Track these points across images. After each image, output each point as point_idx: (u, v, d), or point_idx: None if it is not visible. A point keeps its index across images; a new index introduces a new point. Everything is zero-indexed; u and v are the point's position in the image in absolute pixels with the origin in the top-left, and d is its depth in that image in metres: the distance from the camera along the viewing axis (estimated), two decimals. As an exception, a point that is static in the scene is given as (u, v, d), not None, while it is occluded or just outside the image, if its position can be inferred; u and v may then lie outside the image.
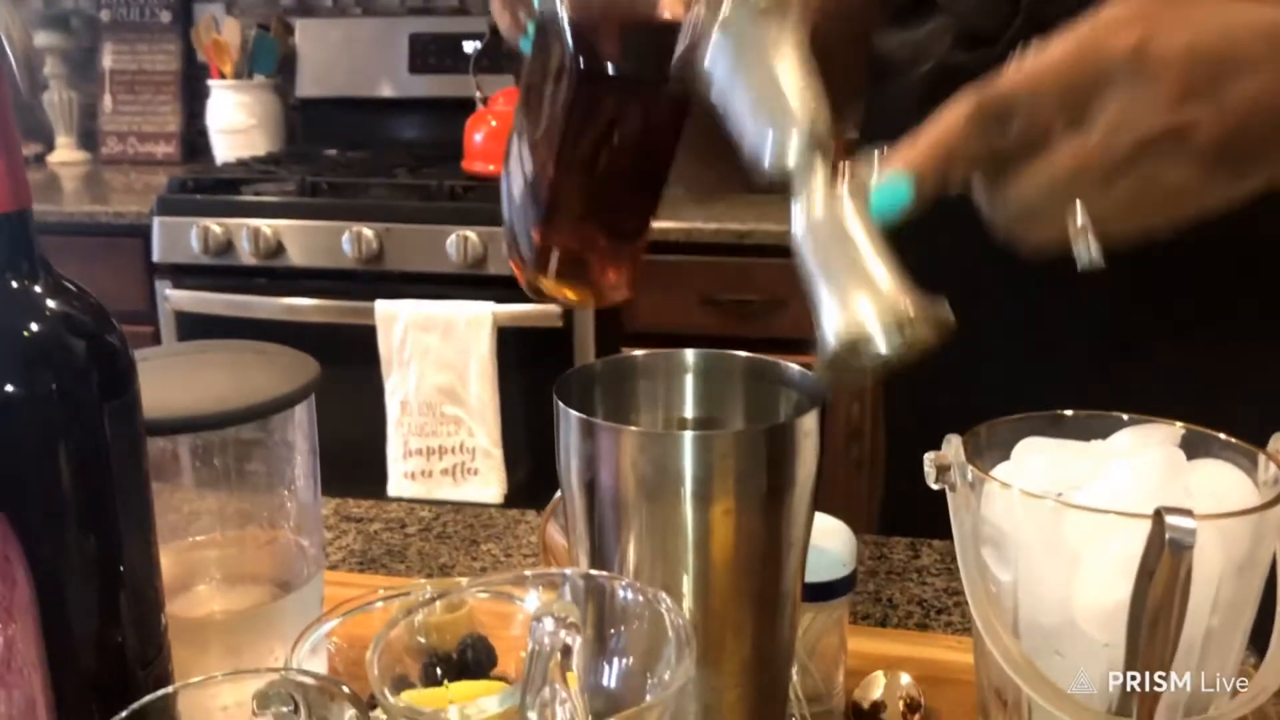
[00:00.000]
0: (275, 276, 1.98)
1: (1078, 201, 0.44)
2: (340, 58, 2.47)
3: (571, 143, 0.51)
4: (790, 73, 0.43)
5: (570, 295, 0.58)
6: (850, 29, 0.78)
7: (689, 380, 0.53)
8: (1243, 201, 0.46)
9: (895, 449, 0.93)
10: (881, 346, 0.39)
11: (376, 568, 0.76)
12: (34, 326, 0.43)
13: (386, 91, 2.45)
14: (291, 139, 2.54)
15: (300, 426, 0.57)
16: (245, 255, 1.97)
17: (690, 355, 0.53)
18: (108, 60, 2.60)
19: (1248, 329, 0.68)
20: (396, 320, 1.90)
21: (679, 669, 0.35)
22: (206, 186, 2.07)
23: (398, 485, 1.95)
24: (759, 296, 1.90)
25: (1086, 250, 0.44)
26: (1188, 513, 0.44)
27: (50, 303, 0.44)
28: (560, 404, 0.46)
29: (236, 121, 2.42)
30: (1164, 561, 0.44)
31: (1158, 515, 0.44)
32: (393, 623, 0.39)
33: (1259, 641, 0.51)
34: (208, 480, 0.56)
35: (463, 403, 1.93)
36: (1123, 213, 0.44)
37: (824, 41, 0.48)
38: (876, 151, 0.43)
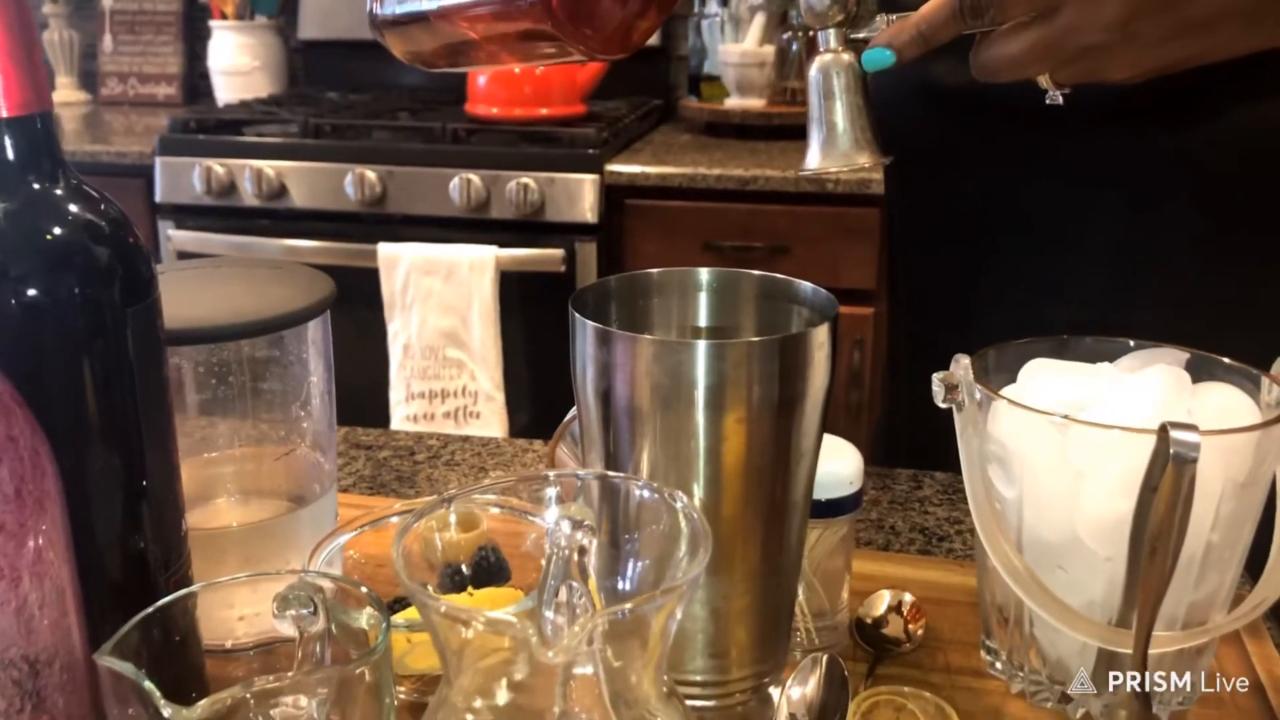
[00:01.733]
0: (277, 218, 1.98)
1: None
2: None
3: None
4: None
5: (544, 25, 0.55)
6: None
7: (703, 297, 0.53)
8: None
9: (897, 387, 0.94)
10: (837, 166, 0.54)
11: (386, 492, 0.77)
12: (57, 231, 0.44)
13: (389, 34, 2.42)
14: (293, 81, 2.53)
15: (315, 343, 0.57)
16: (248, 196, 1.96)
17: (704, 273, 0.54)
18: (108, 0, 2.58)
19: (1249, 259, 0.69)
20: (399, 263, 1.90)
21: (694, 562, 0.36)
22: (209, 127, 2.06)
23: (399, 428, 1.97)
24: (761, 242, 1.90)
25: (1051, 94, 0.55)
26: (1192, 428, 0.45)
27: (73, 207, 0.44)
28: (576, 315, 0.46)
29: (238, 63, 2.41)
30: (1167, 475, 0.45)
31: (1162, 430, 0.45)
32: (419, 513, 0.40)
33: (1254, 566, 0.52)
34: (225, 396, 0.57)
35: (465, 346, 1.94)
36: (1076, 79, 0.53)
37: None
38: (883, 19, 0.54)
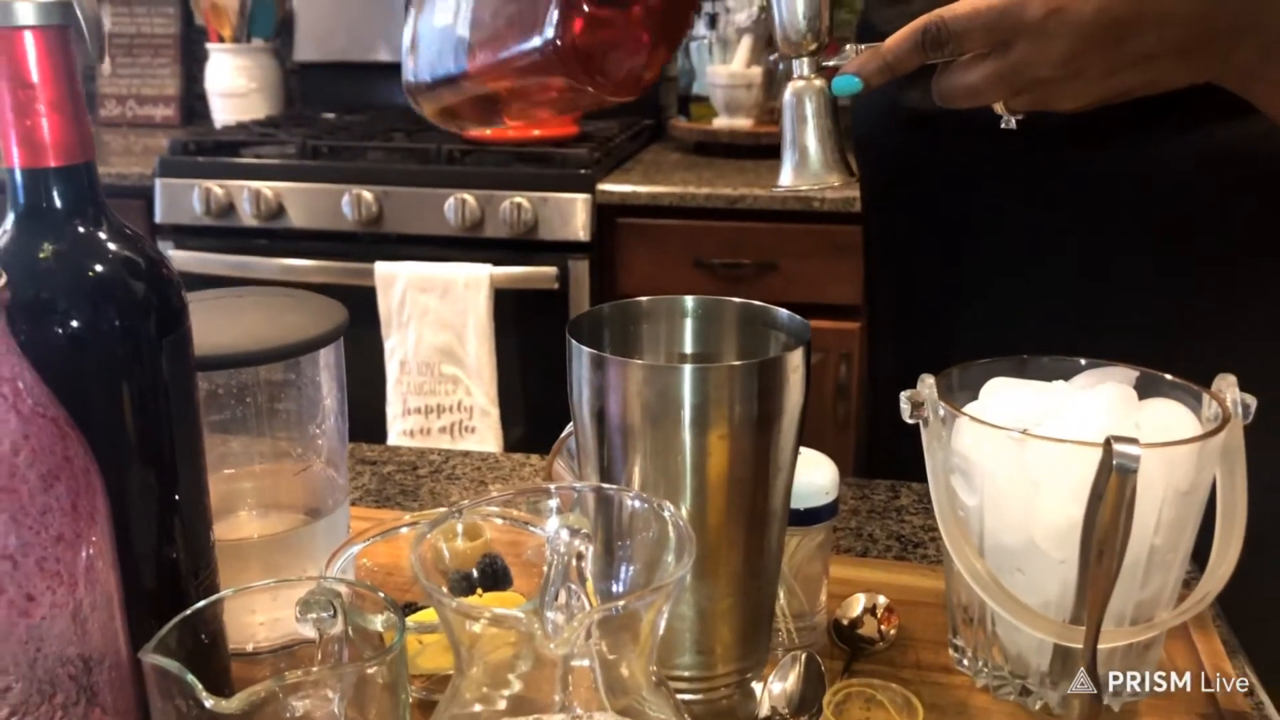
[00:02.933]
0: (276, 238, 2.02)
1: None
2: (337, 22, 2.50)
3: None
4: None
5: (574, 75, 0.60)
6: None
7: (688, 323, 0.58)
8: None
9: (877, 399, 0.98)
10: (808, 185, 0.58)
11: (391, 505, 0.82)
12: (99, 268, 0.48)
13: (383, 56, 2.48)
14: (289, 102, 2.57)
15: (329, 366, 0.61)
16: (246, 217, 2.01)
17: (689, 300, 0.58)
18: (107, 23, 2.62)
19: (1199, 285, 0.73)
20: (396, 281, 1.94)
21: (679, 564, 0.40)
22: (208, 148, 2.10)
23: (396, 443, 2.00)
24: (749, 259, 1.95)
25: (1005, 119, 0.60)
26: (1134, 441, 0.49)
27: (113, 246, 0.48)
28: (573, 341, 0.51)
29: (235, 85, 2.45)
30: (1111, 485, 0.50)
31: (1107, 443, 0.50)
32: (432, 524, 0.44)
33: (1201, 558, 0.57)
34: (245, 416, 0.61)
35: (460, 362, 1.98)
36: (1027, 107, 0.59)
37: None
38: (851, 48, 0.59)
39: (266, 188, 1.99)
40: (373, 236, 1.99)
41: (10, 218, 0.47)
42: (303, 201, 2.00)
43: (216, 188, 2.00)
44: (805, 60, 0.57)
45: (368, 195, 1.95)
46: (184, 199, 2.01)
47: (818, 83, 0.57)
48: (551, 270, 1.94)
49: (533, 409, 2.04)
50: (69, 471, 0.41)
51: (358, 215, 1.96)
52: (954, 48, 0.56)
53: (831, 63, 0.58)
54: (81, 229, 0.48)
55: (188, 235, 2.04)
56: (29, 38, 0.45)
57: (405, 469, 0.88)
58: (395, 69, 2.41)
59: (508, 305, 1.96)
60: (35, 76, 0.45)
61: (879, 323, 0.97)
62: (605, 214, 1.98)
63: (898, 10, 0.78)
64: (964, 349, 0.64)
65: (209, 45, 2.47)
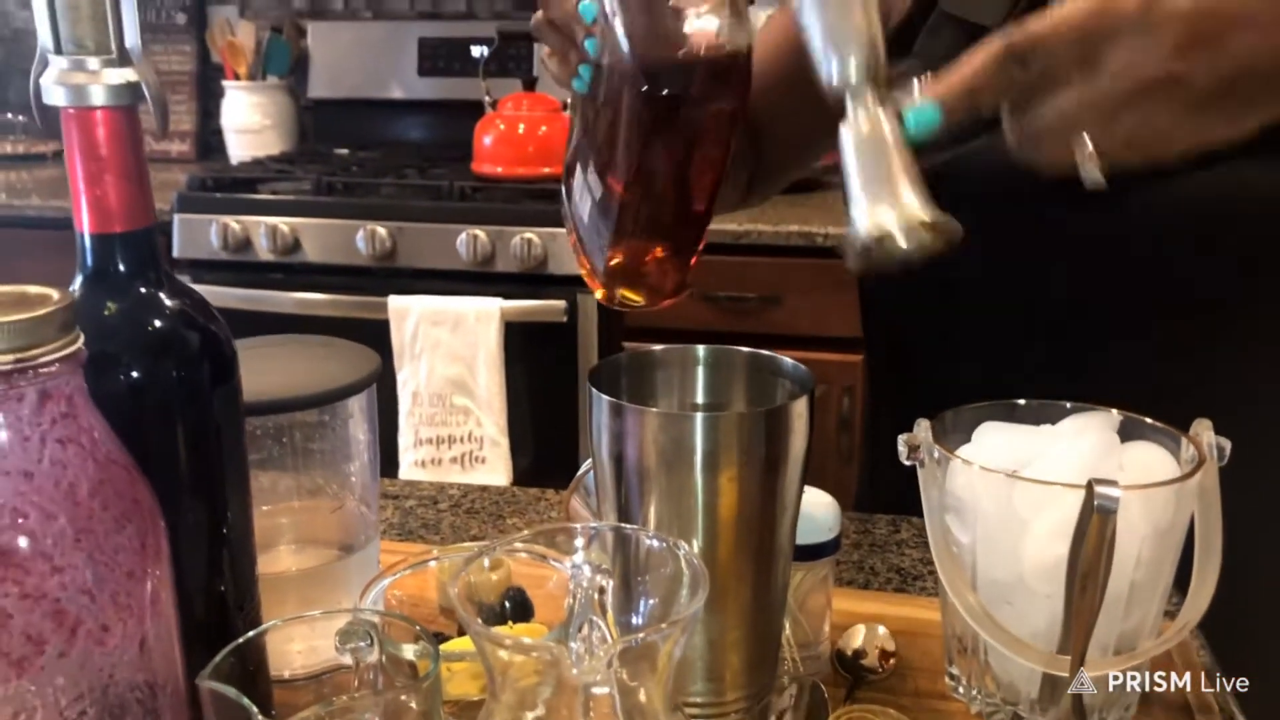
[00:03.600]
0: (291, 272, 2.07)
1: (1084, 133, 0.50)
2: (351, 60, 2.55)
3: (635, 167, 0.58)
4: (858, 10, 0.50)
5: (638, 298, 0.66)
6: None
7: (700, 371, 0.62)
8: (1241, 140, 0.52)
9: (878, 435, 1.02)
10: (901, 243, 0.47)
11: (414, 538, 0.85)
12: (157, 323, 0.52)
13: (396, 93, 2.53)
14: (304, 138, 2.62)
15: (362, 410, 0.65)
16: (263, 251, 2.05)
17: (701, 350, 0.62)
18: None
19: (1180, 332, 0.77)
20: (409, 315, 1.98)
21: (694, 599, 0.44)
22: (225, 185, 2.15)
23: (408, 473, 2.04)
24: (755, 293, 1.99)
25: (1091, 173, 0.51)
26: (1114, 483, 0.53)
27: (170, 303, 0.53)
28: (593, 390, 0.55)
29: (250, 121, 2.51)
30: (1093, 524, 0.53)
31: (1089, 486, 0.54)
32: (468, 560, 0.48)
33: (1185, 585, 0.60)
34: (284, 456, 0.65)
35: (471, 394, 2.02)
36: (1124, 144, 0.51)
37: (796, 81, 0.58)
38: (917, 80, 0.50)
39: (283, 223, 2.03)
40: (386, 271, 2.03)
41: (79, 279, 0.51)
42: (318, 237, 2.05)
43: (234, 223, 2.05)
44: (866, 92, 0.48)
45: (381, 231, 2.00)
46: (202, 234, 2.06)
47: (886, 118, 0.48)
48: (561, 304, 1.98)
49: (542, 440, 2.08)
50: (138, 513, 0.45)
51: (372, 250, 2.01)
52: (1042, 62, 0.49)
53: (897, 94, 0.49)
54: (143, 289, 0.52)
55: (205, 270, 2.08)
56: (100, 116, 0.49)
57: (426, 503, 0.92)
58: (405, 106, 2.48)
59: (518, 338, 2.00)
60: (105, 150, 0.49)
61: (877, 359, 1.01)
62: (613, 249, 2.02)
63: (910, 63, 0.82)
64: (958, 390, 0.67)
65: (225, 83, 2.53)
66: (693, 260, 0.65)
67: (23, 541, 0.41)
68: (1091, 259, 0.77)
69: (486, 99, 2.17)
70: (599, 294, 0.67)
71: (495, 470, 2.04)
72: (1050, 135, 0.51)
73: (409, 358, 2.01)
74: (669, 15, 0.55)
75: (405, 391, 2.02)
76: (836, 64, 0.49)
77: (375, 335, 1.98)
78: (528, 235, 1.97)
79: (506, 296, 1.97)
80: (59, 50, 0.49)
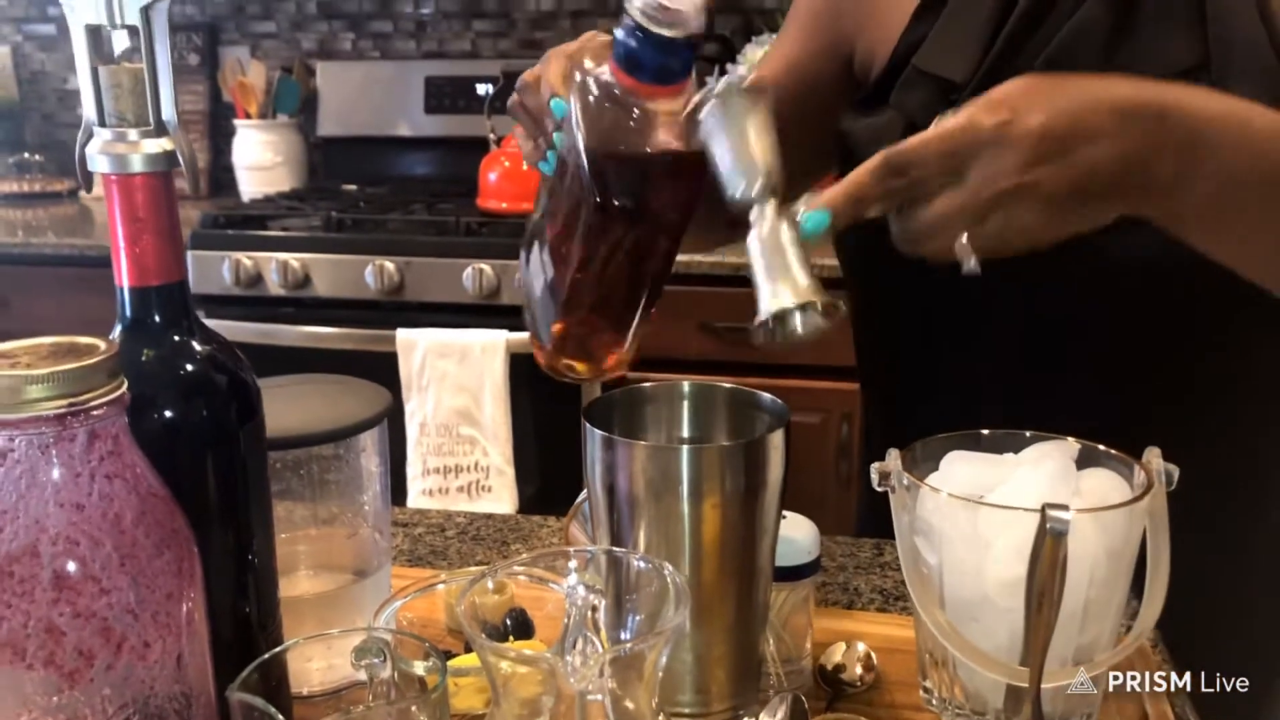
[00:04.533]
0: (302, 306, 2.13)
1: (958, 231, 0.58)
2: (359, 98, 2.62)
3: (585, 256, 0.62)
4: (758, 135, 0.58)
5: (582, 371, 0.70)
6: (810, 115, 0.93)
7: (685, 405, 0.67)
8: (1094, 229, 0.61)
9: (871, 459, 1.07)
10: (796, 320, 0.55)
11: (423, 564, 0.90)
12: (189, 368, 0.57)
13: (403, 131, 2.60)
14: (313, 175, 2.69)
15: (376, 443, 0.70)
16: (274, 286, 2.11)
17: (685, 385, 0.67)
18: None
19: (1136, 367, 0.82)
20: (416, 348, 2.04)
21: (676, 615, 0.49)
22: (236, 222, 2.21)
23: (416, 502, 2.09)
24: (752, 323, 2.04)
25: (967, 264, 0.59)
26: (1065, 508, 0.58)
27: (199, 348, 0.58)
28: (588, 425, 0.60)
29: (261, 159, 2.57)
30: (1047, 546, 0.58)
31: (1043, 510, 0.58)
32: (472, 582, 0.53)
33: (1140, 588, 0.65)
34: (302, 487, 0.70)
35: (477, 424, 2.07)
36: (994, 239, 0.59)
37: (785, 121, 0.63)
38: (808, 196, 0.58)
39: (293, 259, 2.09)
40: (394, 305, 2.09)
41: (118, 328, 0.56)
42: (328, 272, 2.11)
43: (245, 259, 2.10)
44: (768, 205, 0.56)
45: (390, 265, 2.06)
46: (214, 270, 2.12)
47: (782, 223, 0.56)
48: (565, 336, 2.03)
49: (546, 468, 2.12)
50: (175, 540, 0.50)
51: (380, 284, 2.06)
52: (915, 173, 0.57)
53: (793, 208, 0.57)
54: (176, 337, 0.57)
55: (217, 304, 2.14)
56: (140, 182, 0.54)
57: (434, 530, 0.96)
58: (412, 143, 2.54)
59: (523, 369, 2.05)
60: (144, 212, 0.55)
61: (869, 393, 1.06)
62: (615, 281, 2.07)
63: (858, 126, 0.88)
64: (940, 421, 0.72)
65: (236, 121, 2.60)
66: (634, 340, 0.68)
67: (75, 566, 0.46)
68: (1061, 301, 0.82)
69: (491, 136, 2.23)
70: (541, 361, 0.71)
71: (501, 499, 2.09)
72: (927, 234, 0.58)
73: (416, 389, 2.06)
74: (628, 131, 0.60)
75: (413, 422, 2.07)
76: (741, 186, 0.57)
77: (384, 367, 2.03)
78: (532, 269, 2.02)
79: (512, 329, 2.02)
80: (103, 123, 0.54)
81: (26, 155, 2.81)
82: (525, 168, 0.74)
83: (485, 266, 2.02)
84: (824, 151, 0.94)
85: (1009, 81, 0.60)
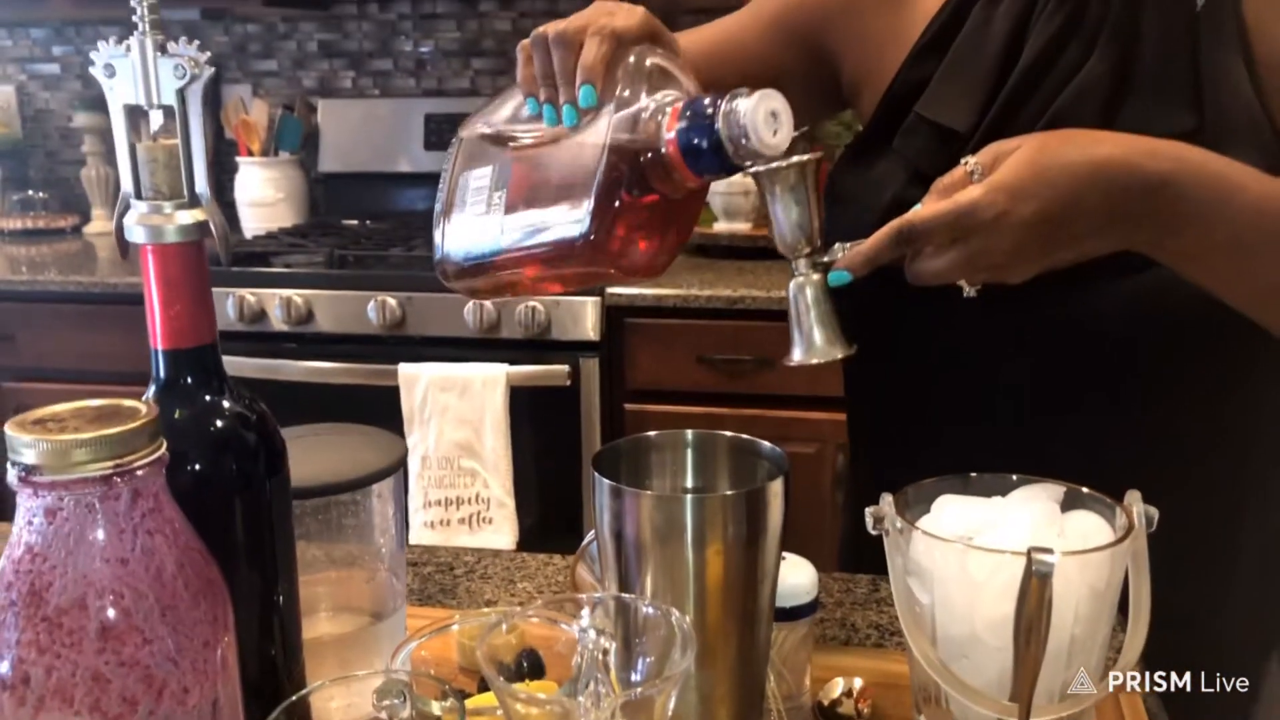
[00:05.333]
0: (304, 341, 2.16)
1: None
2: (360, 135, 2.66)
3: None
4: (800, 206, 0.69)
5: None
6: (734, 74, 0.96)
7: (689, 454, 0.70)
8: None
9: (859, 502, 1.10)
10: (818, 359, 0.70)
11: (433, 603, 0.93)
12: (219, 424, 0.60)
13: (403, 167, 2.64)
14: (314, 210, 2.73)
15: (392, 491, 0.74)
16: (277, 322, 2.14)
17: (689, 434, 0.71)
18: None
19: (1119, 410, 0.86)
20: (418, 382, 2.07)
21: (684, 658, 0.52)
22: (240, 258, 2.25)
23: (417, 534, 2.11)
24: (749, 356, 2.08)
25: (965, 290, 0.73)
26: (1050, 551, 0.61)
27: (229, 405, 0.61)
28: (596, 474, 0.63)
29: (264, 195, 2.61)
30: (1033, 586, 0.61)
31: (1028, 553, 0.62)
32: (489, 628, 0.56)
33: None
34: (322, 532, 0.73)
35: (478, 456, 2.10)
36: (984, 282, 0.71)
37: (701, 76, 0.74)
38: (839, 247, 0.71)
39: (297, 295, 2.12)
40: (396, 339, 2.12)
41: (153, 388, 0.60)
42: (331, 307, 2.14)
43: (249, 295, 2.14)
44: (802, 260, 0.69)
45: (391, 301, 2.09)
46: (218, 306, 2.14)
47: (815, 277, 0.69)
48: (564, 368, 2.07)
49: (546, 500, 2.15)
50: (210, 590, 0.53)
51: (382, 319, 2.10)
52: (921, 244, 0.68)
53: (824, 259, 0.70)
54: (207, 396, 0.60)
55: (221, 340, 2.14)
56: (174, 250, 0.58)
57: (443, 569, 0.99)
58: (412, 179, 2.59)
59: (523, 402, 2.09)
60: (177, 279, 0.58)
61: (855, 430, 1.09)
62: (614, 315, 2.11)
63: (859, 174, 0.92)
64: (926, 465, 0.75)
65: (239, 158, 2.64)
66: (672, 229, 0.74)
67: (120, 617, 0.49)
68: (1044, 345, 0.85)
69: (490, 173, 2.27)
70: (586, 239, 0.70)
71: (501, 531, 2.11)
72: (930, 278, 0.70)
73: (418, 423, 2.09)
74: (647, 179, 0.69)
75: (415, 455, 2.10)
76: (786, 246, 0.70)
77: (386, 401, 2.06)
78: (532, 304, 2.06)
79: (512, 362, 2.06)
80: (139, 196, 0.58)
81: (30, 192, 2.85)
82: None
83: (486, 301, 2.06)
84: None
85: (1012, 160, 0.67)
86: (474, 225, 0.74)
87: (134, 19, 0.56)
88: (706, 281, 2.13)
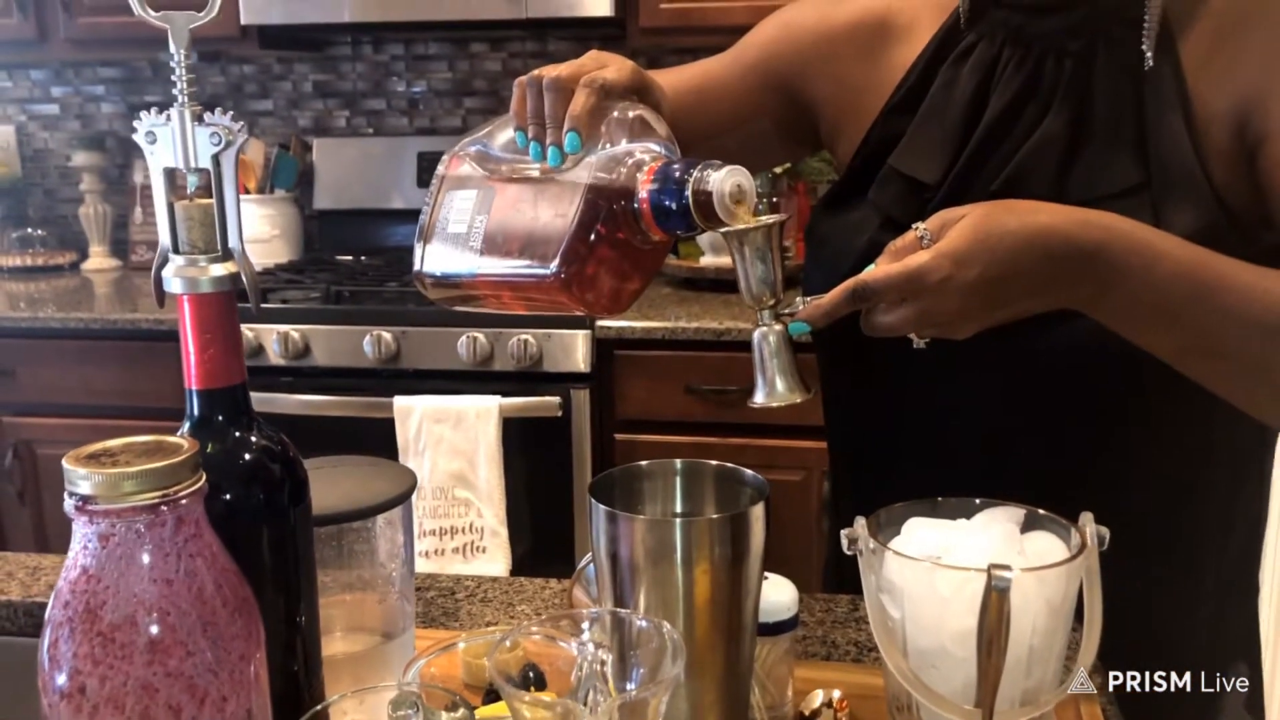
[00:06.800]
0: (301, 375, 2.21)
1: None
2: (354, 173, 2.73)
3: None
4: (764, 264, 0.74)
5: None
6: (710, 117, 1.04)
7: (678, 481, 0.76)
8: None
9: (839, 524, 1.16)
10: (778, 403, 0.75)
11: (437, 625, 0.98)
12: (247, 457, 0.66)
13: (396, 203, 2.70)
14: (310, 247, 2.78)
15: (402, 518, 0.79)
16: (274, 357, 2.20)
17: (678, 463, 0.76)
18: (139, 176, 2.85)
19: (1073, 440, 0.92)
20: (412, 414, 2.12)
21: (674, 667, 0.57)
22: (238, 295, 2.29)
23: (421, 567, 2.16)
24: (736, 386, 2.14)
25: (915, 342, 0.79)
26: (1007, 567, 0.67)
27: (256, 440, 0.67)
28: (593, 500, 0.69)
29: (260, 232, 2.67)
30: (993, 600, 0.67)
31: (988, 570, 0.67)
32: (495, 644, 0.62)
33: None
34: (337, 556, 0.78)
35: (472, 486, 2.15)
36: (932, 336, 0.77)
37: (681, 118, 0.84)
38: (800, 300, 0.76)
39: (294, 330, 2.18)
40: (391, 372, 2.18)
41: (187, 424, 0.65)
42: (327, 342, 2.19)
43: (247, 331, 2.19)
44: (766, 311, 0.75)
45: (387, 335, 2.15)
46: (218, 341, 2.19)
47: (777, 327, 0.75)
48: (555, 399, 2.13)
49: (539, 528, 2.20)
50: (245, 609, 0.58)
51: (377, 353, 2.15)
52: (874, 301, 0.75)
53: (786, 310, 0.75)
54: (237, 432, 0.66)
55: (221, 374, 2.21)
56: (209, 300, 0.63)
57: (445, 594, 1.05)
58: (405, 215, 2.66)
59: (515, 432, 2.14)
60: (212, 326, 0.64)
61: (835, 460, 1.14)
62: (604, 347, 2.17)
63: (837, 219, 0.98)
64: (899, 490, 0.81)
65: (235, 196, 2.69)
66: (637, 271, 0.78)
67: (166, 633, 0.55)
68: (1003, 380, 0.91)
69: (482, 210, 2.33)
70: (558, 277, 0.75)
71: (495, 559, 2.16)
72: (884, 331, 0.77)
73: (413, 454, 2.14)
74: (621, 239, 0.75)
75: (410, 485, 2.14)
76: (750, 298, 0.75)
77: (382, 433, 2.12)
78: (524, 336, 2.11)
79: (504, 394, 2.11)
80: (177, 250, 0.64)
81: (30, 230, 2.90)
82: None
83: (479, 335, 2.12)
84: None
85: (958, 228, 0.74)
86: (454, 245, 0.80)
87: (174, 92, 0.62)
88: (694, 314, 2.19)
